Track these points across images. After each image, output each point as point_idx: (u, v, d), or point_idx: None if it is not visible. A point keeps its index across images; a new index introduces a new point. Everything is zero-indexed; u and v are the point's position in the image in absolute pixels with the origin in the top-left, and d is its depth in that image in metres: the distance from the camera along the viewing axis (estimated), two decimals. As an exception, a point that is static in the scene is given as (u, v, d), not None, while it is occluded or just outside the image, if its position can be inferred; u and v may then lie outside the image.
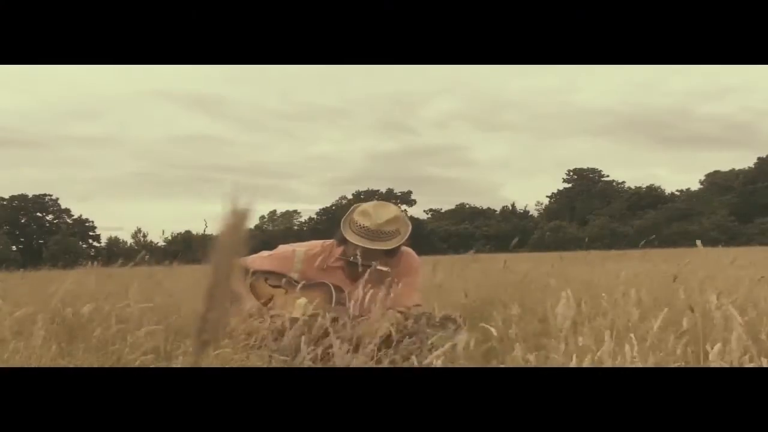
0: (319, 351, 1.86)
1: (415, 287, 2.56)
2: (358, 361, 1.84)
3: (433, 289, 4.04)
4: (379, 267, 2.41)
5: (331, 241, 2.62)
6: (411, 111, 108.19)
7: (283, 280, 2.53)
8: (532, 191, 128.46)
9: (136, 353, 2.08)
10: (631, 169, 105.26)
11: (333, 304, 2.40)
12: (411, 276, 2.55)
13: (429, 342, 2.04)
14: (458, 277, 5.78)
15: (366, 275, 2.40)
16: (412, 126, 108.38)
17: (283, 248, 2.68)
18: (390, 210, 2.51)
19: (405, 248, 2.58)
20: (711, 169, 65.60)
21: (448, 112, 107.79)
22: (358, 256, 2.41)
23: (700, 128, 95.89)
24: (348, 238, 2.45)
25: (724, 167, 66.19)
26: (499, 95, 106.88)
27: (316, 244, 2.64)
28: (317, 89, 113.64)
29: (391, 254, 2.48)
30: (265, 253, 2.67)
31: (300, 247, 2.63)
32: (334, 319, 2.03)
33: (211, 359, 1.81)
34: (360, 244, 2.42)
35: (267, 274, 2.58)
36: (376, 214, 2.46)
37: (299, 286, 2.41)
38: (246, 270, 2.60)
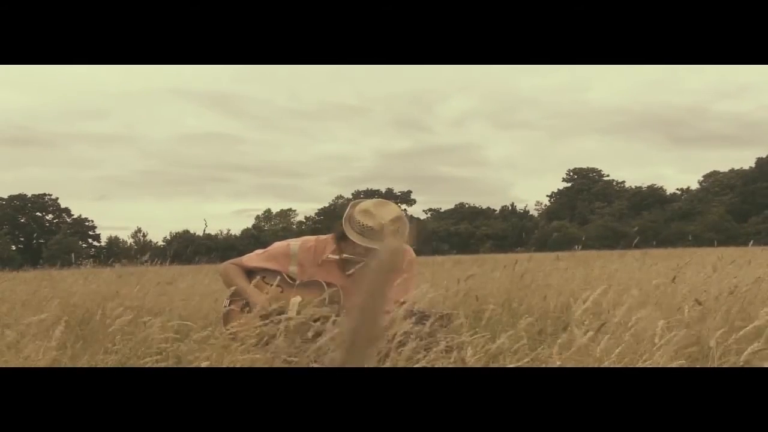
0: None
1: (410, 281, 2.57)
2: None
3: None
4: None
5: (326, 236, 2.63)
6: (428, 109, 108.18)
7: (278, 278, 2.54)
8: (542, 191, 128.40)
9: (144, 355, 2.09)
10: (642, 168, 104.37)
11: (327, 302, 2.41)
12: (407, 272, 2.55)
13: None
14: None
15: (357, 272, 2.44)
16: (428, 124, 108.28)
17: (277, 245, 2.69)
18: (392, 209, 2.53)
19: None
20: (722, 168, 65.29)
21: (464, 111, 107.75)
22: (354, 253, 2.44)
23: (714, 127, 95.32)
24: (351, 237, 2.46)
25: (733, 166, 65.86)
26: (515, 94, 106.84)
27: (310, 239, 2.65)
28: (334, 87, 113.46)
29: None
30: (260, 251, 2.68)
31: (294, 242, 2.65)
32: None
33: (223, 361, 1.82)
34: (363, 243, 2.44)
35: (264, 272, 2.59)
36: (379, 214, 2.47)
37: (296, 284, 2.44)
38: (244, 269, 2.62)
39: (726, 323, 2.28)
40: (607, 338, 1.81)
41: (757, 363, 1.71)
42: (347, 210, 2.54)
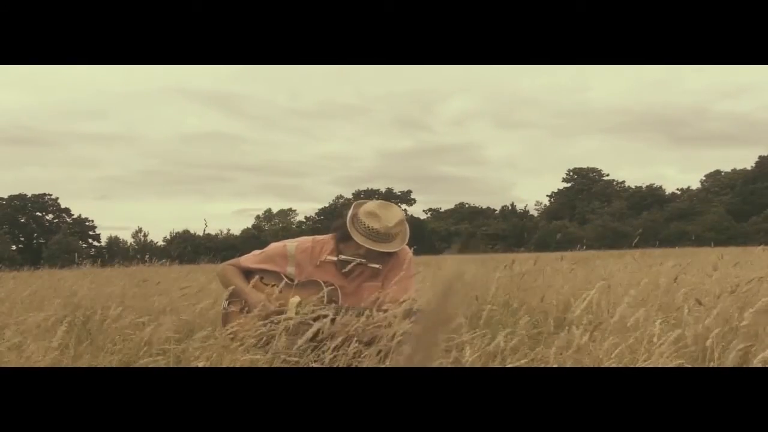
0: (350, 352, 1.91)
1: (409, 281, 2.58)
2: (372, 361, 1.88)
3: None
4: (371, 264, 2.46)
5: (323, 237, 2.64)
6: (428, 109, 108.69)
7: (283, 282, 2.54)
8: (542, 190, 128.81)
9: (145, 356, 2.09)
10: (643, 168, 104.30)
11: (325, 301, 2.42)
12: (404, 270, 2.56)
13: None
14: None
15: (358, 271, 2.46)
16: (429, 124, 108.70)
17: (274, 246, 2.68)
18: (396, 212, 2.54)
19: None
20: (724, 168, 65.46)
21: (465, 111, 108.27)
22: (355, 255, 2.46)
23: (715, 127, 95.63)
24: (356, 239, 2.47)
25: (735, 166, 66.04)
26: (516, 94, 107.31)
27: (307, 239, 2.66)
28: (334, 87, 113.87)
29: (392, 254, 2.52)
30: (257, 252, 2.68)
31: (291, 243, 2.65)
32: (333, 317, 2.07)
33: (226, 361, 1.82)
34: (368, 246, 2.46)
35: (262, 273, 2.59)
36: (385, 217, 2.48)
37: (294, 284, 2.45)
38: (241, 269, 2.62)
39: (726, 323, 2.29)
40: (611, 339, 1.81)
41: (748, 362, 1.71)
42: (350, 211, 2.54)
